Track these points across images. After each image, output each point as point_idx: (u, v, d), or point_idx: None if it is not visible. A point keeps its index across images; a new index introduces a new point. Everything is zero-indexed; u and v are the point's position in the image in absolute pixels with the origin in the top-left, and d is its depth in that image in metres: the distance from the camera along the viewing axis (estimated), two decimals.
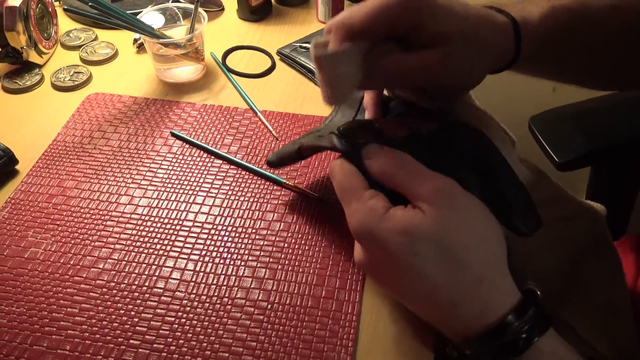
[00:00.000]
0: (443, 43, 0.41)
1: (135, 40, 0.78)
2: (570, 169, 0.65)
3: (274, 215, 0.55)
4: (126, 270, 0.50)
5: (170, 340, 0.45)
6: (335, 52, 0.40)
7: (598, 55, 0.51)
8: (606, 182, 0.76)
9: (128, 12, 0.67)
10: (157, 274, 0.50)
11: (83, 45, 0.78)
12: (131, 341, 0.45)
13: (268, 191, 0.57)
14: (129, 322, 0.46)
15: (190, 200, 0.56)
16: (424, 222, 0.37)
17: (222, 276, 0.49)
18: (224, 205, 0.56)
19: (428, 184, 0.38)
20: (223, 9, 0.87)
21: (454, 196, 0.39)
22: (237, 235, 0.53)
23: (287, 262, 0.50)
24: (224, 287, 0.49)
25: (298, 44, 0.76)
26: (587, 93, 0.70)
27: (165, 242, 0.52)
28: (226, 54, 0.77)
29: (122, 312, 0.47)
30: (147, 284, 0.49)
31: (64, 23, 0.83)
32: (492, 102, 0.49)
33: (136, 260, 0.51)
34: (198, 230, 0.53)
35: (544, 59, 0.49)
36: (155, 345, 0.45)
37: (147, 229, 0.54)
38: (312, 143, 0.49)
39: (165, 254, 0.51)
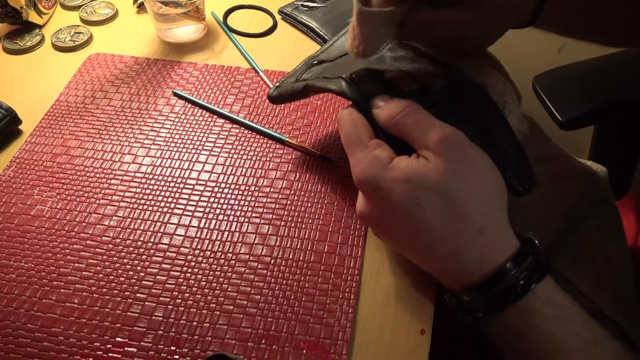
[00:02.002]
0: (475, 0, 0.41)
1: (135, 0, 0.77)
2: (574, 127, 0.65)
3: (276, 173, 0.55)
4: (131, 227, 0.51)
5: (176, 293, 0.46)
6: (383, 12, 0.40)
7: (618, 11, 0.50)
8: (609, 141, 0.75)
9: None
10: (161, 230, 0.50)
11: (82, 5, 0.77)
12: (138, 295, 0.46)
13: (271, 149, 0.57)
14: (135, 277, 0.47)
15: (194, 159, 0.57)
16: (429, 170, 0.38)
17: (226, 232, 0.50)
18: (227, 163, 0.56)
19: (435, 133, 0.39)
20: None
21: (460, 146, 0.39)
22: (240, 192, 0.53)
23: (289, 218, 0.51)
24: (228, 243, 0.49)
25: (300, 3, 0.75)
26: (593, 54, 0.70)
27: (169, 199, 0.53)
28: (227, 13, 0.76)
29: (128, 267, 0.48)
30: (152, 240, 0.50)
31: None
32: None
33: (141, 217, 0.51)
34: (201, 188, 0.54)
35: (563, 18, 0.48)
36: (161, 298, 0.46)
37: (151, 187, 0.54)
38: (319, 85, 0.48)
39: (170, 211, 0.52)
